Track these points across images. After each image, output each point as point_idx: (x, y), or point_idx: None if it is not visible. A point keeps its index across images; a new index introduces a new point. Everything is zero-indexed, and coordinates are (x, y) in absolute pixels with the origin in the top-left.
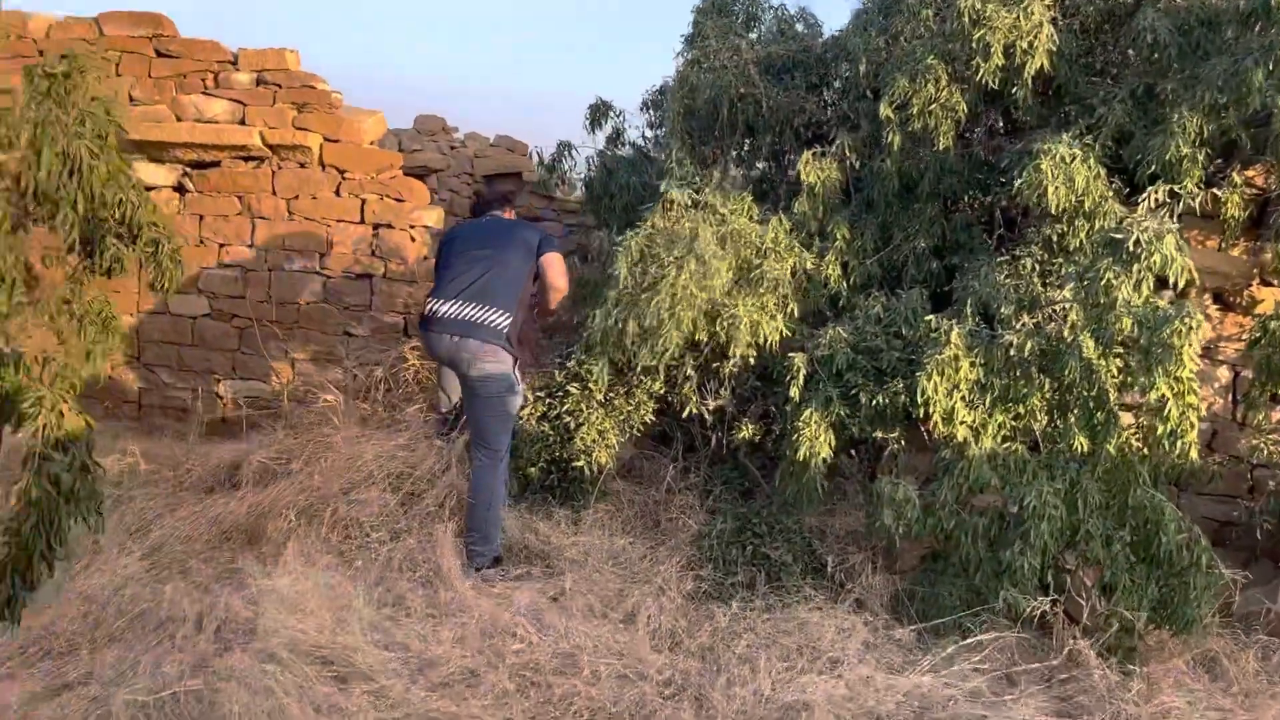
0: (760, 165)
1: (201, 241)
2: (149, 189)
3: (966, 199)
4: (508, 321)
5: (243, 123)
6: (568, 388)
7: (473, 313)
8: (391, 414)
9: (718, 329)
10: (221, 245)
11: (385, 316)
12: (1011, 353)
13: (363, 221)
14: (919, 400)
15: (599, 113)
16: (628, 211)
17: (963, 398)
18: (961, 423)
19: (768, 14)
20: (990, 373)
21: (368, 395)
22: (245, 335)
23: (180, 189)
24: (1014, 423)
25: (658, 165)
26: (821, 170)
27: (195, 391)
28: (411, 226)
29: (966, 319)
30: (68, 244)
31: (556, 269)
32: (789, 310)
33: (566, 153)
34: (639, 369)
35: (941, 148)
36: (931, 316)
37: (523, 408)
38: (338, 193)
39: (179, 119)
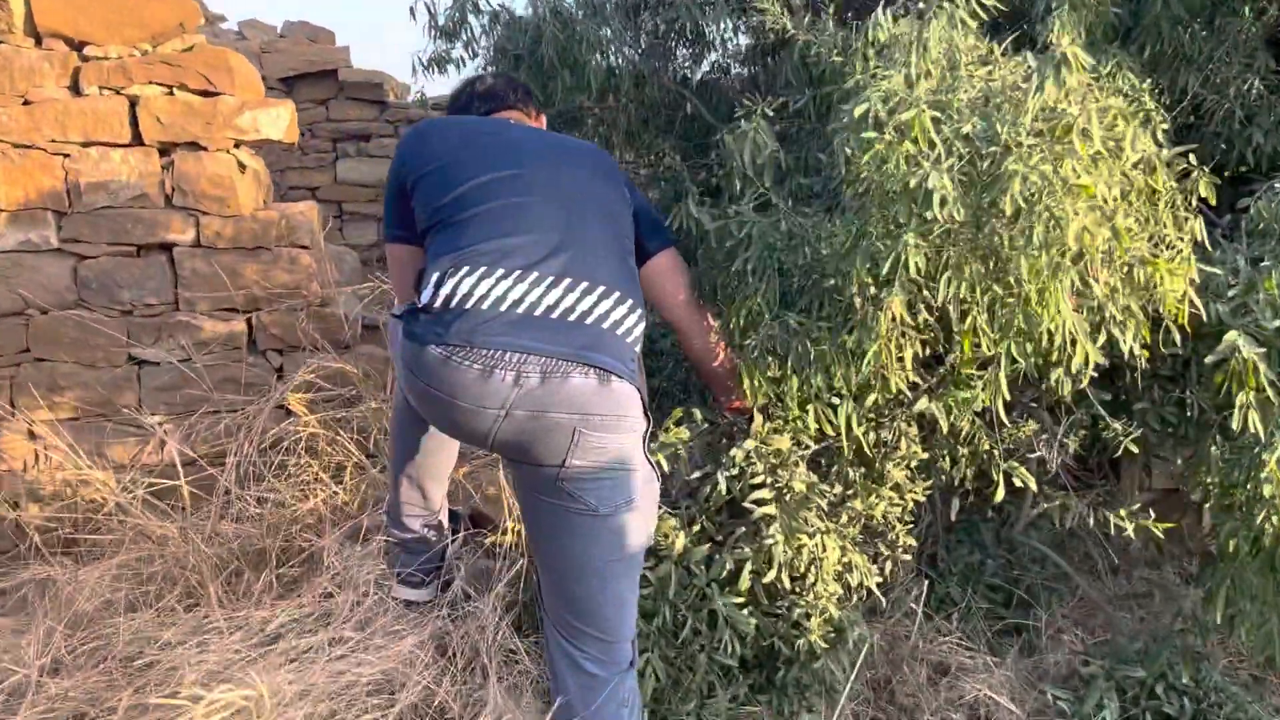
0: None
1: None
2: None
3: None
4: (641, 329)
5: None
6: (749, 490)
7: (584, 304)
8: (282, 545)
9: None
10: None
11: (208, 321)
12: None
13: (138, 141)
14: None
15: None
16: (609, 95)
17: None
18: None
19: None
20: None
21: (227, 511)
22: None
23: None
24: None
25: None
26: None
27: None
28: (238, 143)
29: None
30: None
31: (679, 269)
32: (1192, 235)
33: (470, 3)
34: (870, 412)
35: None
36: None
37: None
38: (76, 88)
39: None
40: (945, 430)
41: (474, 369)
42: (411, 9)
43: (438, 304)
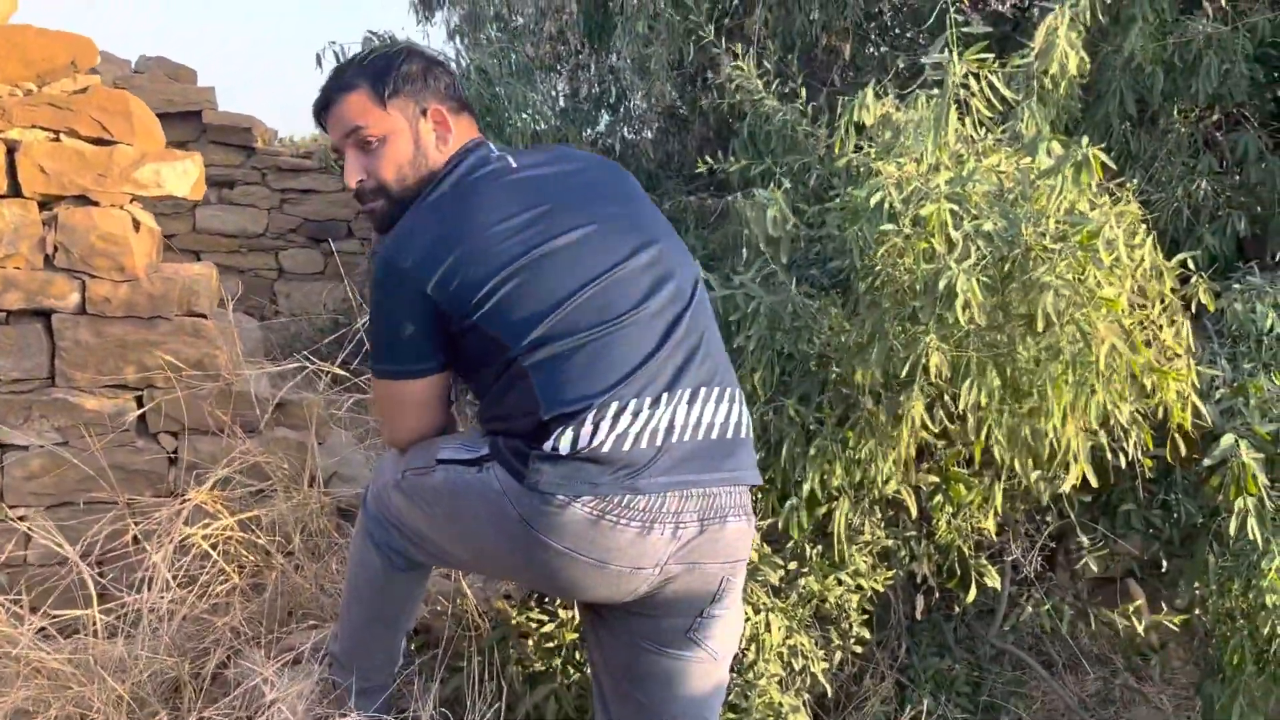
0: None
1: None
2: None
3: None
4: None
5: None
6: None
7: (721, 412)
8: (194, 671)
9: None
10: None
11: (90, 399)
12: None
13: (16, 193)
14: None
15: None
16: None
17: None
18: None
19: None
20: None
21: (134, 630)
22: None
23: None
24: None
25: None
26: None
27: None
28: (133, 197)
29: None
30: None
31: None
32: (1184, 339)
33: None
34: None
35: None
36: None
37: None
38: None
39: None
40: (914, 517)
41: (632, 528)
42: (318, 55)
43: (583, 451)
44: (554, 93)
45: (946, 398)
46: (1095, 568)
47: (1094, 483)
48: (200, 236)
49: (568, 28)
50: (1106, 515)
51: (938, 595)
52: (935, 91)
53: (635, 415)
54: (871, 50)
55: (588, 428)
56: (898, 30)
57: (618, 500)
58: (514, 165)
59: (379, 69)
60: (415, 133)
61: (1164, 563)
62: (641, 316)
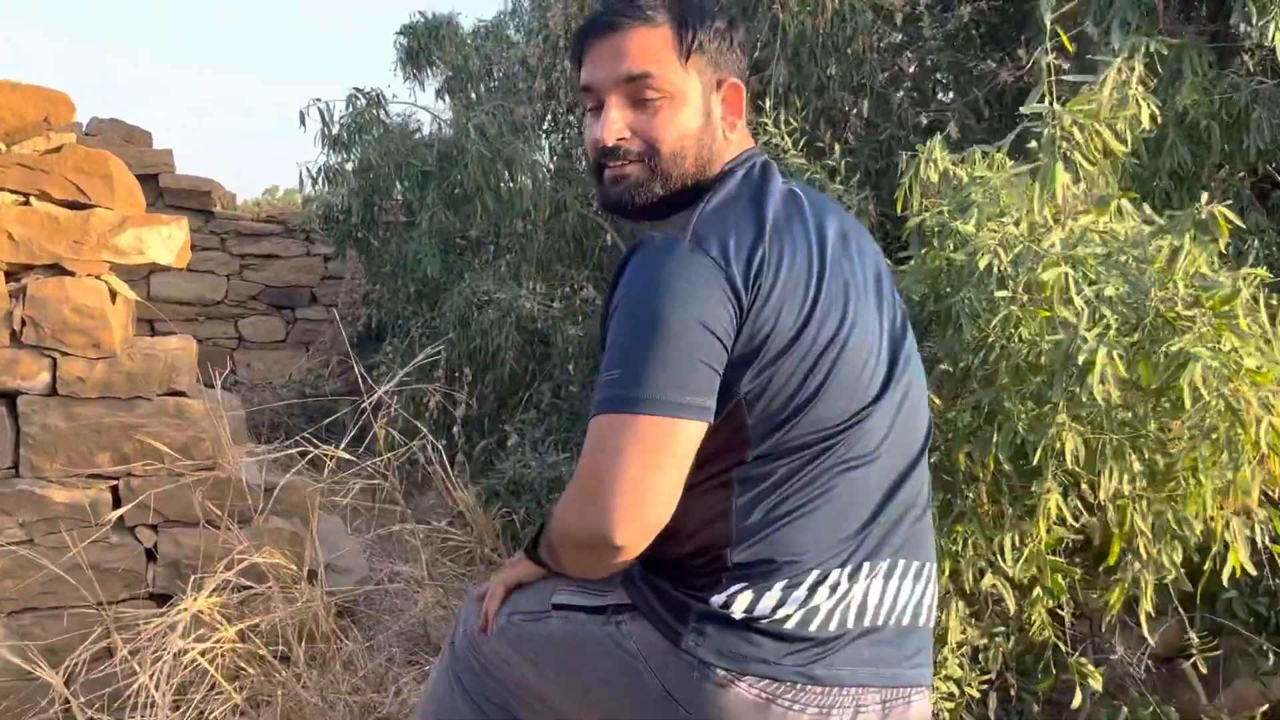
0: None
1: None
2: None
3: None
4: None
5: None
6: None
7: (915, 595)
8: None
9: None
10: None
11: (59, 490)
12: None
13: None
14: None
15: (426, 39)
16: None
17: None
18: None
19: None
20: None
21: None
22: None
23: None
24: None
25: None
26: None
27: None
28: (113, 264)
29: None
30: None
31: None
32: None
33: (375, 109)
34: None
35: None
36: None
37: None
38: None
39: None
40: (1013, 613)
41: (806, 714)
42: (302, 114)
43: (761, 621)
44: (546, 152)
45: (1084, 485)
46: (1204, 669)
47: (1251, 571)
48: (155, 304)
49: (559, 86)
50: (1204, 602)
51: (1014, 692)
52: (1032, 144)
53: (832, 589)
54: (873, 103)
55: (774, 595)
56: (918, 88)
57: (791, 684)
58: (808, 204)
59: (687, 7)
60: (707, 104)
61: (1270, 655)
62: (874, 466)
